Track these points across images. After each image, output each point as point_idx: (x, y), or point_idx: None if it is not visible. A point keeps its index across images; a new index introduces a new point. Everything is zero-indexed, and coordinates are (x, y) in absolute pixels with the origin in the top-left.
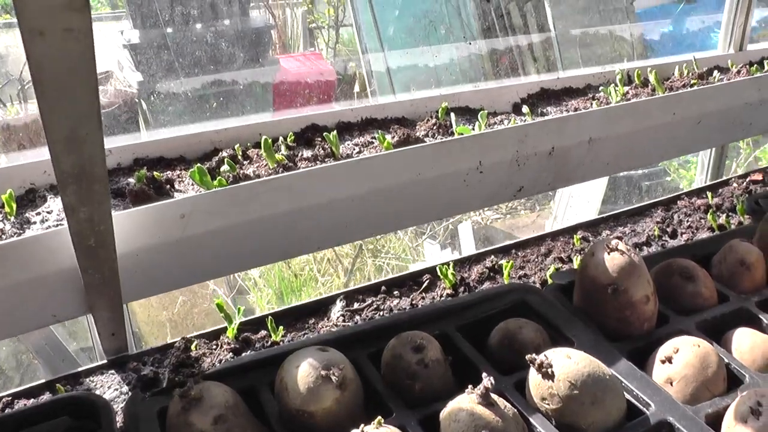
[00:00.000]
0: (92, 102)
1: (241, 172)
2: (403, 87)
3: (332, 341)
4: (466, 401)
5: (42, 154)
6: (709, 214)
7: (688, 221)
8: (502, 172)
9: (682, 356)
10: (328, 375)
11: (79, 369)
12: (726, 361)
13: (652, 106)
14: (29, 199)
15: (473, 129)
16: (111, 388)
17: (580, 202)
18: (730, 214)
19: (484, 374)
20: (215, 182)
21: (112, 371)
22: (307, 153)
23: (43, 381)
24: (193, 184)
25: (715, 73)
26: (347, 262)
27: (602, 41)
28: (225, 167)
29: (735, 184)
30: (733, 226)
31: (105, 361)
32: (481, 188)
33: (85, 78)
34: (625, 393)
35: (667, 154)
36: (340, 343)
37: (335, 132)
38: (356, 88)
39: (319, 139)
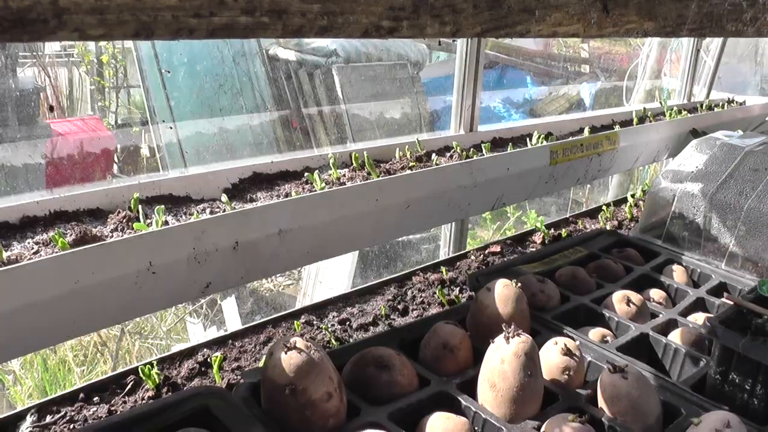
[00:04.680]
0: None
1: None
2: (194, 152)
3: None
4: None
5: None
6: (438, 290)
7: (421, 297)
8: (180, 271)
9: None
10: None
11: None
12: None
13: (350, 194)
14: None
15: (171, 220)
16: None
17: (328, 277)
18: (463, 288)
19: None
20: None
21: None
22: None
23: None
24: None
25: (434, 156)
26: (113, 346)
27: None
28: None
29: (473, 257)
30: (464, 301)
31: None
32: (158, 289)
33: None
34: None
35: (376, 238)
36: None
37: None
38: (146, 152)
39: None
